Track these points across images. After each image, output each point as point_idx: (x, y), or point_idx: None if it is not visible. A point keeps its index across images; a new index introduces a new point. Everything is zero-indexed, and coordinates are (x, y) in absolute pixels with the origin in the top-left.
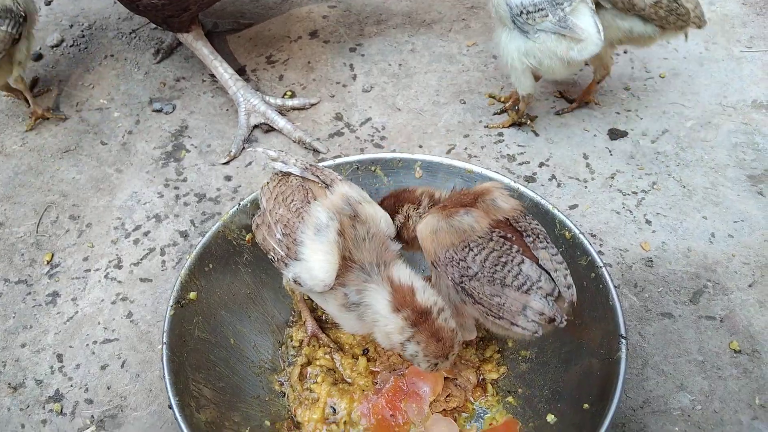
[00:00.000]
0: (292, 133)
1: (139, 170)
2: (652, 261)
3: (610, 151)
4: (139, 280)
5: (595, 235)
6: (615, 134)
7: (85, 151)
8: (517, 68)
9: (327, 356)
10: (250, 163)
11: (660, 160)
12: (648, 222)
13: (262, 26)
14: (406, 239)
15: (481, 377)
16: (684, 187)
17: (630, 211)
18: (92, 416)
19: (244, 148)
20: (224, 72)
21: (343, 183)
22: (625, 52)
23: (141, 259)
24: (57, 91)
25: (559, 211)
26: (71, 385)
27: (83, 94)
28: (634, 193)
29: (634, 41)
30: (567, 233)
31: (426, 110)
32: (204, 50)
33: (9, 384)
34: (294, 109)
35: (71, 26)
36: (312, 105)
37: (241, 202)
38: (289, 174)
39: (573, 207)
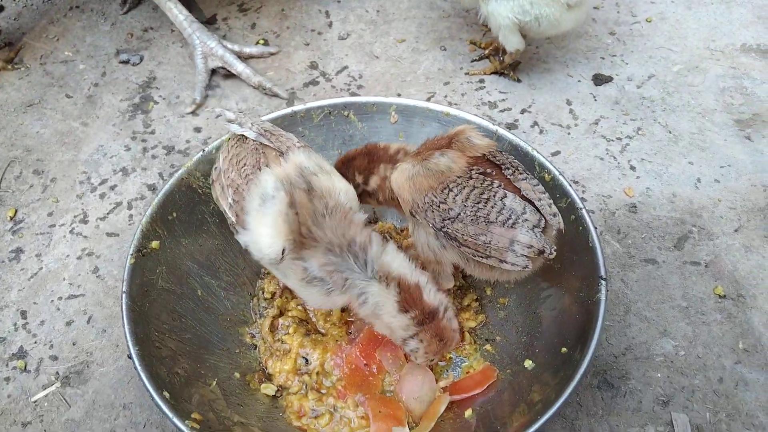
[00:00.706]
0: (251, 77)
1: (105, 123)
2: (636, 207)
3: (594, 97)
4: (105, 234)
5: (577, 182)
6: (600, 79)
7: (49, 104)
8: (507, 26)
9: (299, 307)
10: (220, 115)
11: (646, 105)
12: (632, 168)
13: None
14: (381, 201)
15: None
16: (670, 132)
17: (614, 157)
18: (57, 372)
19: (207, 96)
20: (179, 13)
21: (300, 151)
22: None
23: (107, 214)
24: (20, 43)
25: (538, 152)
26: (35, 342)
27: (47, 47)
28: (619, 139)
29: None
30: (547, 175)
31: (405, 57)
32: None
33: None
34: (252, 57)
35: None
36: (271, 54)
37: (206, 149)
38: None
39: (555, 153)
